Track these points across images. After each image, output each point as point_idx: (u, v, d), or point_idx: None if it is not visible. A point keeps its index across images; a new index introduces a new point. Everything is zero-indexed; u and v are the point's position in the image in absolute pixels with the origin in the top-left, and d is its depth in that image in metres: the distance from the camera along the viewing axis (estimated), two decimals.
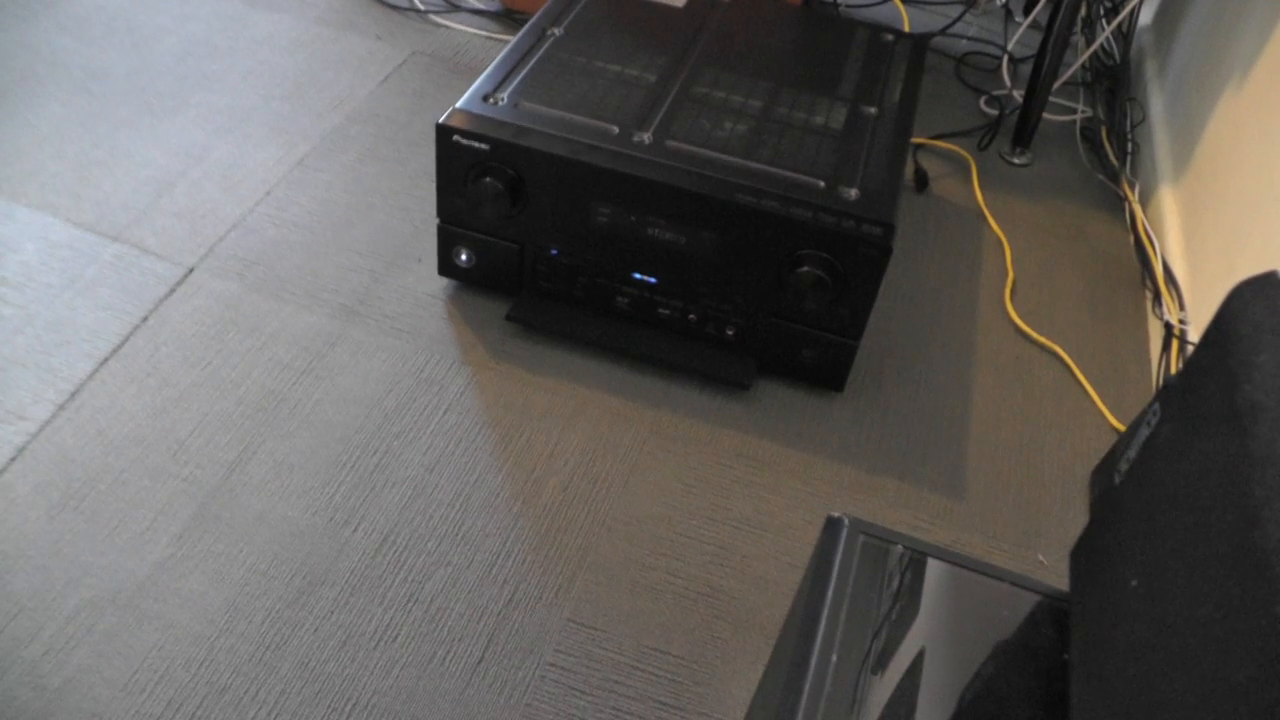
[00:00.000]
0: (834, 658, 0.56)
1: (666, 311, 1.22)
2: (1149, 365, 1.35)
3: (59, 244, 1.28)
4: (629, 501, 1.10)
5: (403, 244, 1.35)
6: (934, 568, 0.63)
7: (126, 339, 1.18)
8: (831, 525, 0.64)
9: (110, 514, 1.02)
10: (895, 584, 0.61)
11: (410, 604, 0.99)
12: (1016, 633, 0.60)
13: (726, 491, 1.13)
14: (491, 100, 1.17)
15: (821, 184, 1.14)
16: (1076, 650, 0.56)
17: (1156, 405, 0.56)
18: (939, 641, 0.58)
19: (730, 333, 1.21)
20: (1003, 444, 1.22)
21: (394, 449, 1.11)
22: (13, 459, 1.06)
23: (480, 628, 0.98)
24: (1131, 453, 0.55)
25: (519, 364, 1.22)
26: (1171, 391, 0.54)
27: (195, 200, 1.37)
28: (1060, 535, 1.13)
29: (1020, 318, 1.39)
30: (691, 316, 1.21)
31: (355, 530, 1.04)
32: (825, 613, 0.58)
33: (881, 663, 0.57)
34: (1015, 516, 1.14)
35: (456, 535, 1.05)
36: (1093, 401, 1.29)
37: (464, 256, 1.24)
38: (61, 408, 1.11)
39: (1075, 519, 1.15)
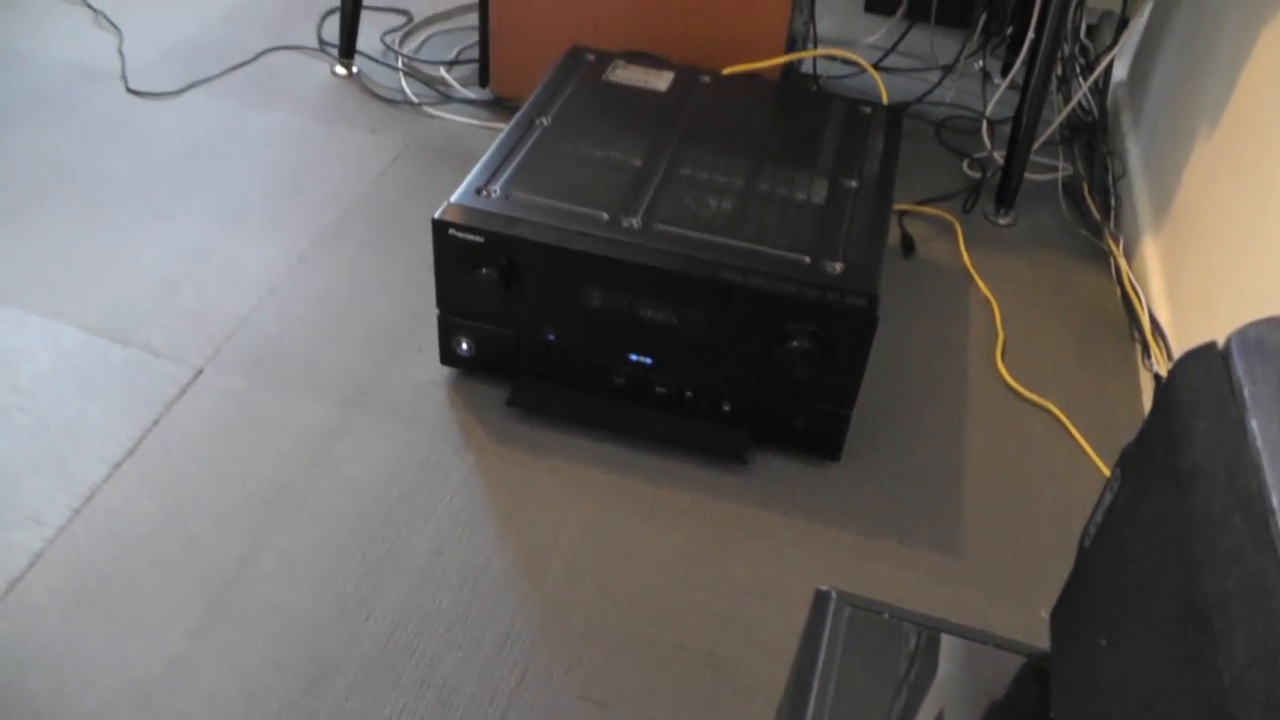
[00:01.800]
0: None
1: (663, 389, 1.25)
2: (1141, 416, 1.38)
3: (70, 350, 1.32)
4: (633, 576, 1.13)
5: (403, 333, 1.39)
6: (921, 635, 0.66)
7: (139, 441, 1.22)
8: (819, 599, 0.67)
9: (125, 613, 1.05)
10: (883, 653, 0.64)
11: (423, 688, 1.01)
12: (1003, 695, 0.63)
13: (727, 561, 1.15)
14: (484, 193, 1.22)
15: (806, 259, 1.18)
16: (1057, 710, 0.59)
17: (1118, 470, 0.60)
18: (928, 707, 0.61)
19: (726, 407, 1.24)
20: (998, 500, 1.25)
21: (401, 536, 1.15)
22: (30, 565, 1.09)
23: (493, 709, 1.00)
24: (1098, 516, 0.58)
25: (521, 447, 1.25)
26: (1128, 457, 0.58)
27: (201, 300, 1.41)
28: (1058, 588, 1.15)
29: (1011, 375, 1.42)
30: (688, 393, 1.25)
31: (366, 618, 1.07)
32: (815, 685, 0.61)
33: None
34: (1014, 571, 1.17)
35: (466, 618, 1.08)
36: (1086, 455, 1.32)
37: (464, 345, 1.28)
38: (77, 512, 1.14)
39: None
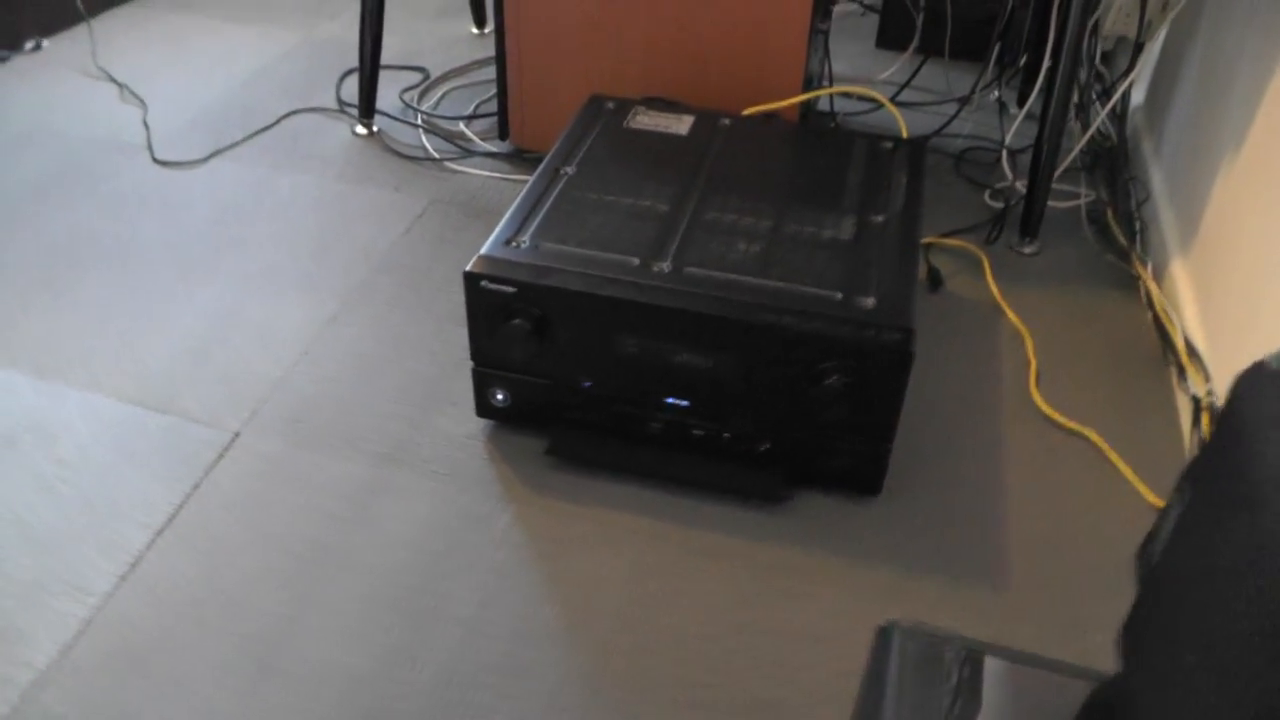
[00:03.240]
0: None
1: (700, 433, 1.25)
2: (1180, 440, 1.37)
3: (109, 421, 1.33)
4: (678, 623, 1.12)
5: (436, 388, 1.40)
6: (988, 665, 0.65)
7: (179, 507, 1.23)
8: (883, 633, 0.67)
9: (175, 677, 1.05)
10: (951, 685, 0.64)
11: None
12: None
13: (770, 604, 1.15)
14: (514, 244, 1.23)
15: (838, 295, 1.18)
16: None
17: (1186, 483, 0.60)
18: None
19: (764, 448, 1.24)
20: (1041, 532, 1.24)
21: (445, 589, 1.15)
22: (80, 633, 1.09)
23: None
24: (1166, 531, 0.58)
25: (560, 496, 1.25)
26: (1194, 471, 0.58)
27: (235, 364, 1.43)
28: (1110, 618, 1.14)
29: (1047, 404, 1.41)
30: (726, 435, 1.25)
31: (415, 671, 1.06)
32: (884, 713, 0.61)
33: None
34: (1062, 604, 1.16)
35: (514, 670, 1.07)
36: (1128, 481, 1.31)
37: (500, 396, 1.29)
38: (123, 579, 1.15)
39: (1123, 600, 1.16)
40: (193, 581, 1.15)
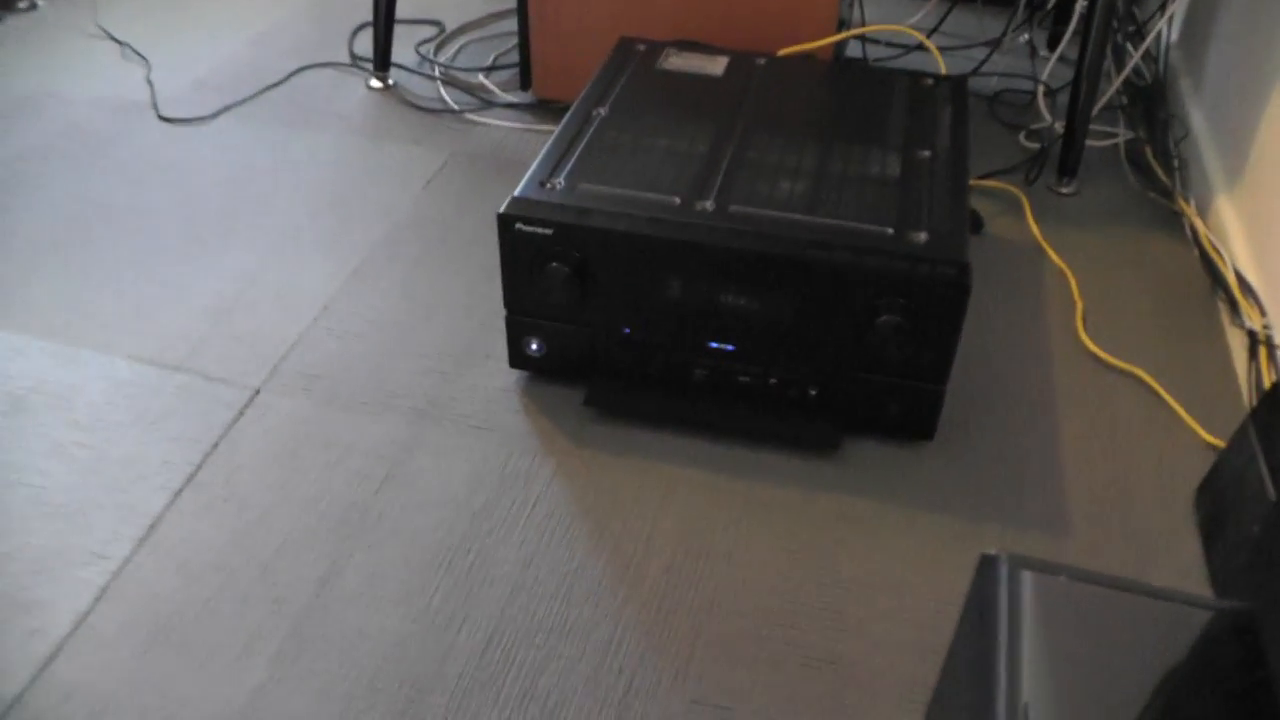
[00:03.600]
0: (1024, 701, 0.53)
1: (746, 378, 1.21)
2: (1234, 377, 1.33)
3: (124, 382, 1.28)
4: (734, 575, 1.08)
5: (468, 342, 1.35)
6: (1102, 596, 0.61)
7: (199, 467, 1.18)
8: (986, 564, 0.62)
9: (202, 644, 1.01)
10: (1069, 617, 0.59)
11: (526, 701, 0.97)
12: (1205, 652, 0.58)
13: (831, 555, 1.10)
14: (548, 185, 1.18)
15: (889, 231, 1.13)
16: (1278, 663, 0.53)
17: None
18: (1129, 671, 0.56)
19: (813, 393, 1.20)
20: (1099, 474, 1.20)
21: (487, 547, 1.10)
22: (97, 599, 1.05)
23: (601, 719, 0.96)
24: None
25: (602, 449, 1.21)
26: None
27: (253, 323, 1.38)
28: (1173, 559, 1.11)
29: (1096, 344, 1.37)
30: (772, 380, 1.20)
31: (458, 632, 1.02)
32: (1002, 657, 0.56)
33: (1072, 703, 0.54)
34: (1125, 546, 1.12)
35: (564, 628, 1.03)
36: (1182, 420, 1.27)
37: (534, 346, 1.24)
38: (141, 543, 1.10)
39: (1184, 539, 1.12)
40: (216, 545, 1.10)
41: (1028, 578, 0.61)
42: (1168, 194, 1.64)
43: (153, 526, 1.12)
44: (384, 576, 1.07)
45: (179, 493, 1.15)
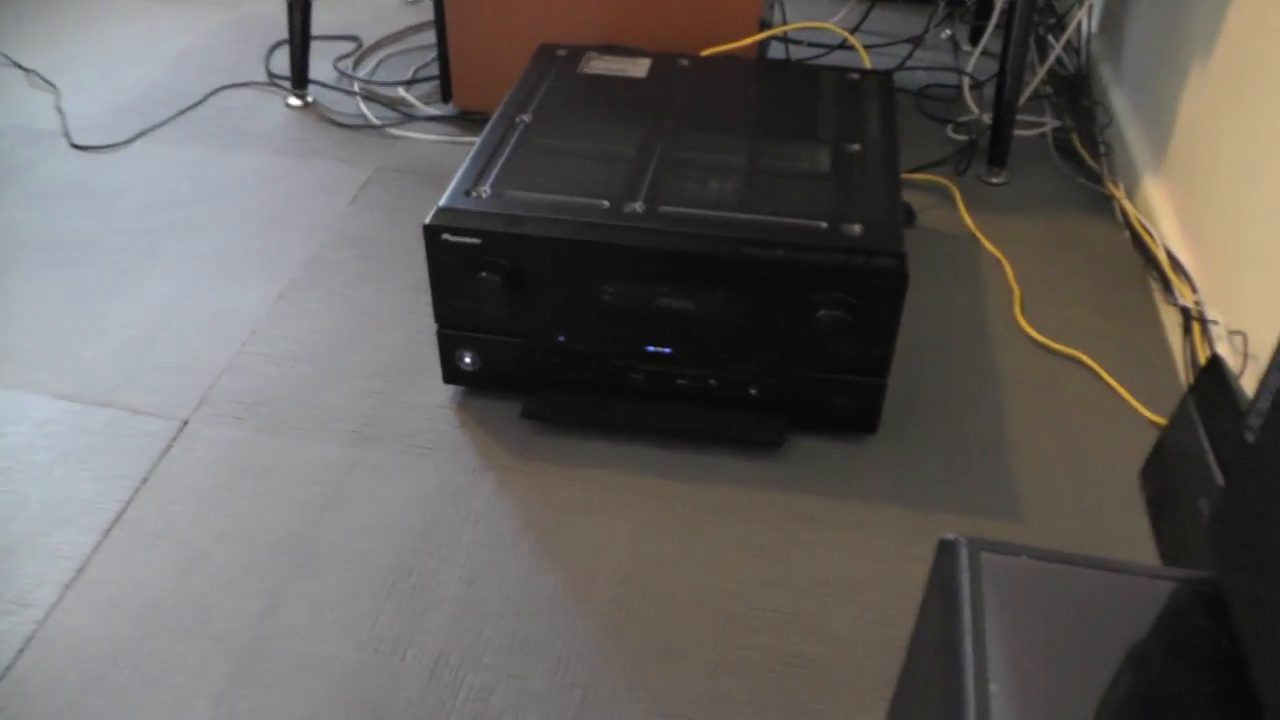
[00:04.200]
0: (992, 687, 0.52)
1: (684, 381, 1.19)
2: (1170, 353, 1.35)
3: (45, 420, 1.23)
4: (688, 581, 1.06)
5: (402, 360, 1.32)
6: (1064, 574, 0.59)
7: (128, 505, 1.14)
8: (945, 548, 0.60)
9: (139, 689, 0.97)
10: (1033, 598, 0.57)
11: None
12: (1174, 626, 0.57)
13: (785, 555, 1.09)
14: (474, 194, 1.16)
15: (823, 225, 1.12)
16: (1247, 632, 0.52)
17: None
18: (1094, 650, 0.55)
19: (753, 392, 1.18)
20: (1047, 456, 1.20)
21: (430, 568, 1.07)
22: (20, 650, 1.00)
23: None
24: (1263, 405, 0.52)
25: (545, 460, 1.19)
26: None
27: (181, 352, 1.33)
28: (1123, 536, 1.11)
29: (1035, 330, 1.38)
30: (711, 382, 1.19)
31: (404, 658, 0.99)
32: (967, 641, 0.54)
33: (1042, 682, 0.53)
34: (1076, 526, 1.12)
35: (513, 645, 1.00)
36: (1124, 400, 1.27)
37: (468, 359, 1.22)
38: (68, 587, 1.05)
39: (1134, 519, 1.13)
40: (150, 584, 1.06)
41: (988, 560, 0.59)
42: (1096, 179, 1.65)
43: (80, 569, 1.07)
44: (327, 605, 1.04)
45: (108, 532, 1.11)
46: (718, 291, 1.12)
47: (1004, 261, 1.49)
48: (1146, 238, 1.48)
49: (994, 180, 1.66)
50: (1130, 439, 1.22)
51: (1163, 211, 1.48)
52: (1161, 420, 1.24)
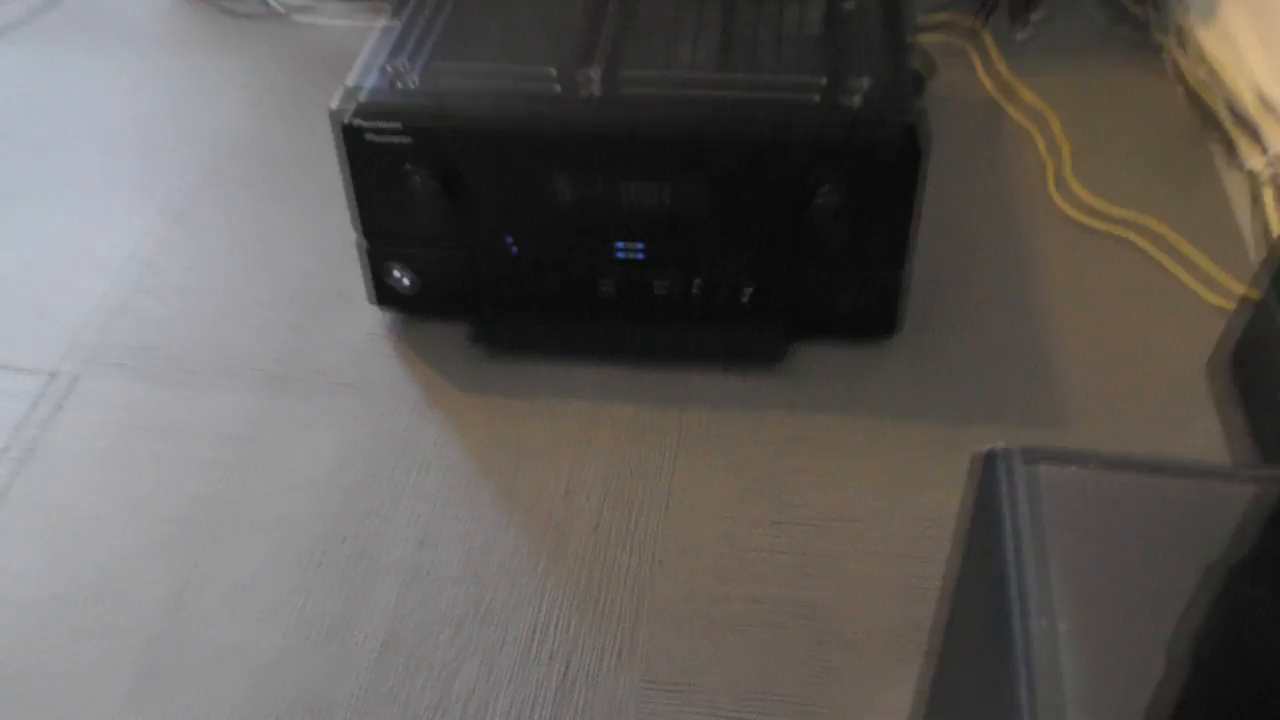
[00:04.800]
0: (1061, 627, 0.48)
1: (662, 289, 1.18)
2: (1236, 226, 1.33)
3: None
4: (678, 526, 1.05)
5: (320, 284, 1.31)
6: (1134, 483, 0.56)
7: (5, 481, 1.11)
8: (990, 461, 0.58)
9: (34, 695, 0.95)
10: (1097, 515, 0.54)
11: (439, 711, 0.92)
12: (1266, 534, 0.54)
13: (790, 487, 1.08)
14: (396, 74, 1.13)
15: (816, 97, 1.10)
16: None
17: None
18: (1179, 571, 0.51)
19: (746, 297, 1.18)
20: (1098, 352, 1.20)
21: (371, 531, 1.06)
22: None
23: (538, 717, 0.92)
24: None
25: (500, 393, 1.18)
26: None
27: (54, 294, 1.30)
28: (1193, 440, 1.10)
29: (1075, 207, 1.37)
30: (695, 287, 1.17)
31: (348, 640, 0.97)
32: (1026, 574, 0.51)
33: (1120, 616, 0.49)
34: (1136, 433, 1.11)
35: (477, 615, 0.99)
36: (1182, 282, 1.27)
37: (401, 277, 1.20)
38: None
39: (1201, 418, 1.12)
40: (35, 573, 1.03)
41: (1042, 473, 0.56)
42: (1141, 27, 1.62)
43: None
44: (248, 583, 1.02)
45: None
46: (696, 177, 1.10)
47: (1035, 128, 1.48)
48: (1205, 94, 1.45)
49: (1021, 34, 1.63)
50: (1193, 326, 1.21)
51: (1226, 62, 1.44)
52: (1229, 304, 1.23)
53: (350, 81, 1.13)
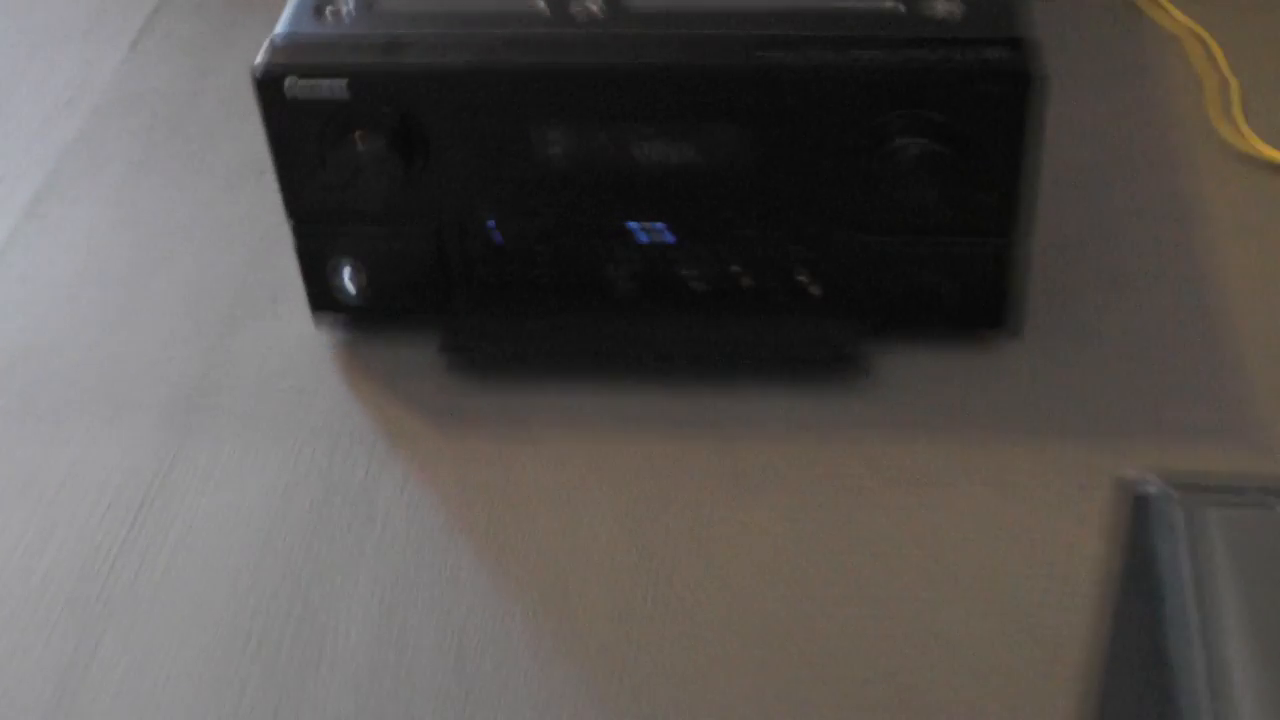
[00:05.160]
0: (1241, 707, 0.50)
1: (694, 277, 1.20)
2: None
3: None
4: (725, 594, 1.07)
5: (240, 285, 1.34)
6: None
7: None
8: (1142, 502, 0.60)
9: None
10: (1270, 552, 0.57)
11: None
12: None
13: (873, 536, 1.10)
14: (328, 10, 1.16)
15: (898, 6, 1.13)
16: None
17: None
18: None
19: (804, 278, 1.20)
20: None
21: (316, 603, 1.08)
22: None
23: None
24: None
25: (480, 421, 1.20)
26: None
27: None
28: None
29: (1255, 144, 1.39)
30: (735, 270, 1.20)
31: None
32: (1193, 648, 0.53)
33: None
34: None
35: (463, 711, 1.01)
36: None
37: (348, 272, 1.23)
38: None
39: None
40: None
41: (1211, 517, 0.58)
42: None
43: None
44: (154, 667, 1.05)
45: None
46: (731, 126, 1.12)
47: (1203, 38, 1.51)
48: None
49: None
50: None
51: None
52: None
53: (277, 29, 1.15)
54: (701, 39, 1.10)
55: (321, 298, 1.25)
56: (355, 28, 1.14)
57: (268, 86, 1.12)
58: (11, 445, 1.22)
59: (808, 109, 1.11)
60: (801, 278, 1.19)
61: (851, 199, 1.15)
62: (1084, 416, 1.17)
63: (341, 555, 1.11)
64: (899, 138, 1.10)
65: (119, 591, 1.10)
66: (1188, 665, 0.53)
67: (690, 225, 1.18)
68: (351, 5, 1.16)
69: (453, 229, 1.20)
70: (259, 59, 1.12)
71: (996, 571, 1.07)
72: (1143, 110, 1.44)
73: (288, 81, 1.12)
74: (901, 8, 1.12)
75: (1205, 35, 1.51)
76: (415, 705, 1.02)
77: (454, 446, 1.19)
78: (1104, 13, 1.55)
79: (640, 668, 1.03)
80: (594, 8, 1.13)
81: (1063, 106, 1.37)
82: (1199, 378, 1.19)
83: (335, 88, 1.12)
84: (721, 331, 1.22)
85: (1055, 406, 1.18)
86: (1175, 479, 0.59)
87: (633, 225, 1.18)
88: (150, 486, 1.17)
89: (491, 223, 1.19)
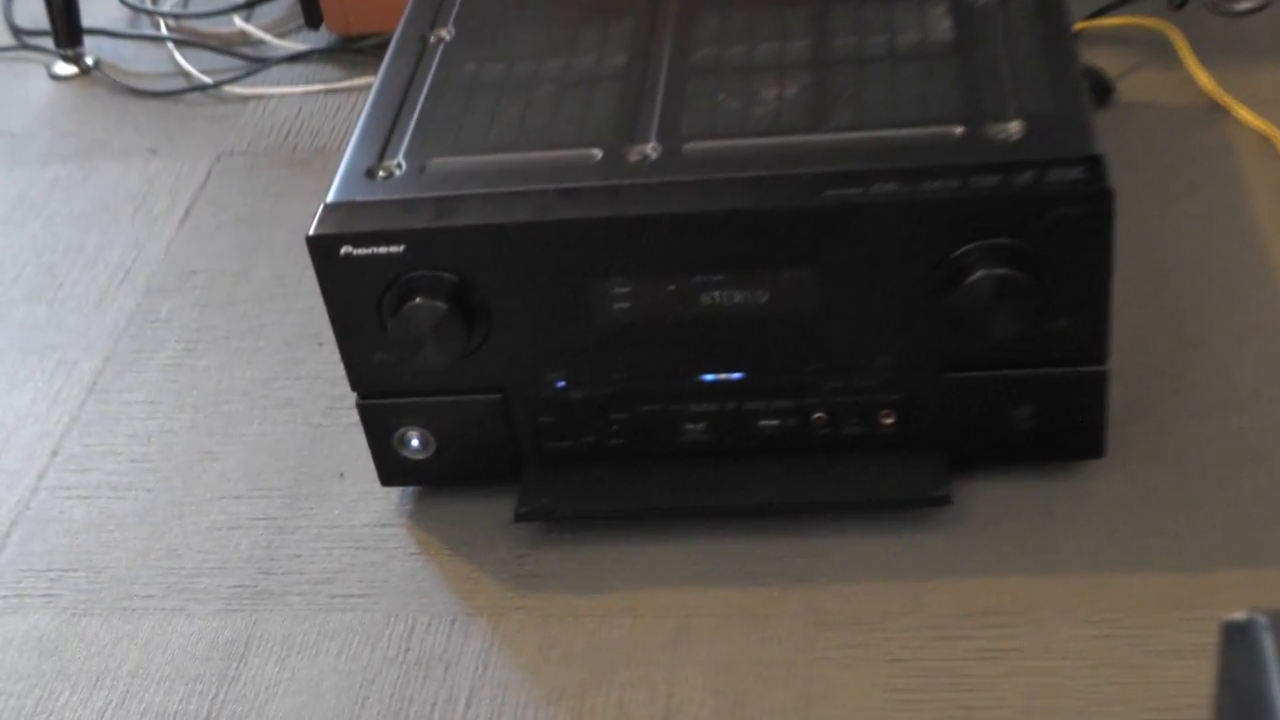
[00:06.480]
0: None
1: (773, 421, 1.21)
2: None
3: None
4: None
5: (305, 461, 1.36)
6: None
7: None
8: (1233, 634, 0.61)
9: None
10: None
11: None
12: None
13: (970, 679, 1.10)
14: (381, 173, 1.19)
15: (957, 130, 1.14)
16: None
17: None
18: None
19: (888, 420, 1.21)
20: None
21: None
22: None
23: None
24: None
25: (561, 587, 1.21)
26: None
27: None
28: None
29: None
30: (817, 416, 1.21)
31: None
32: None
33: None
34: None
35: None
36: None
37: (415, 442, 1.24)
38: None
39: None
40: None
41: None
42: None
43: None
44: None
45: None
46: (800, 268, 1.13)
47: (1275, 137, 1.51)
48: None
49: (1239, 5, 1.66)
50: None
51: None
52: None
53: (330, 197, 1.17)
54: (765, 180, 1.12)
55: (390, 470, 1.26)
56: (408, 190, 1.16)
57: (323, 254, 1.14)
58: (79, 643, 1.23)
59: (880, 245, 1.12)
60: (881, 414, 1.20)
61: (931, 332, 1.15)
62: (1174, 545, 1.16)
63: None
64: (973, 270, 1.10)
65: None
66: None
67: (766, 371, 1.19)
68: (403, 166, 1.19)
69: (521, 389, 1.21)
70: (313, 227, 1.15)
71: (1094, 705, 1.06)
72: (1226, 215, 1.44)
73: (343, 249, 1.14)
74: (961, 130, 1.13)
75: (1274, 133, 1.51)
76: None
77: (533, 612, 1.19)
78: (1181, 112, 1.56)
79: None
80: (651, 153, 1.16)
81: (1137, 218, 1.40)
82: None
83: (390, 250, 1.14)
84: (799, 475, 1.22)
85: (1145, 537, 1.18)
86: (1267, 611, 0.61)
87: (706, 377, 1.19)
88: (223, 677, 1.19)
89: (561, 382, 1.20)
